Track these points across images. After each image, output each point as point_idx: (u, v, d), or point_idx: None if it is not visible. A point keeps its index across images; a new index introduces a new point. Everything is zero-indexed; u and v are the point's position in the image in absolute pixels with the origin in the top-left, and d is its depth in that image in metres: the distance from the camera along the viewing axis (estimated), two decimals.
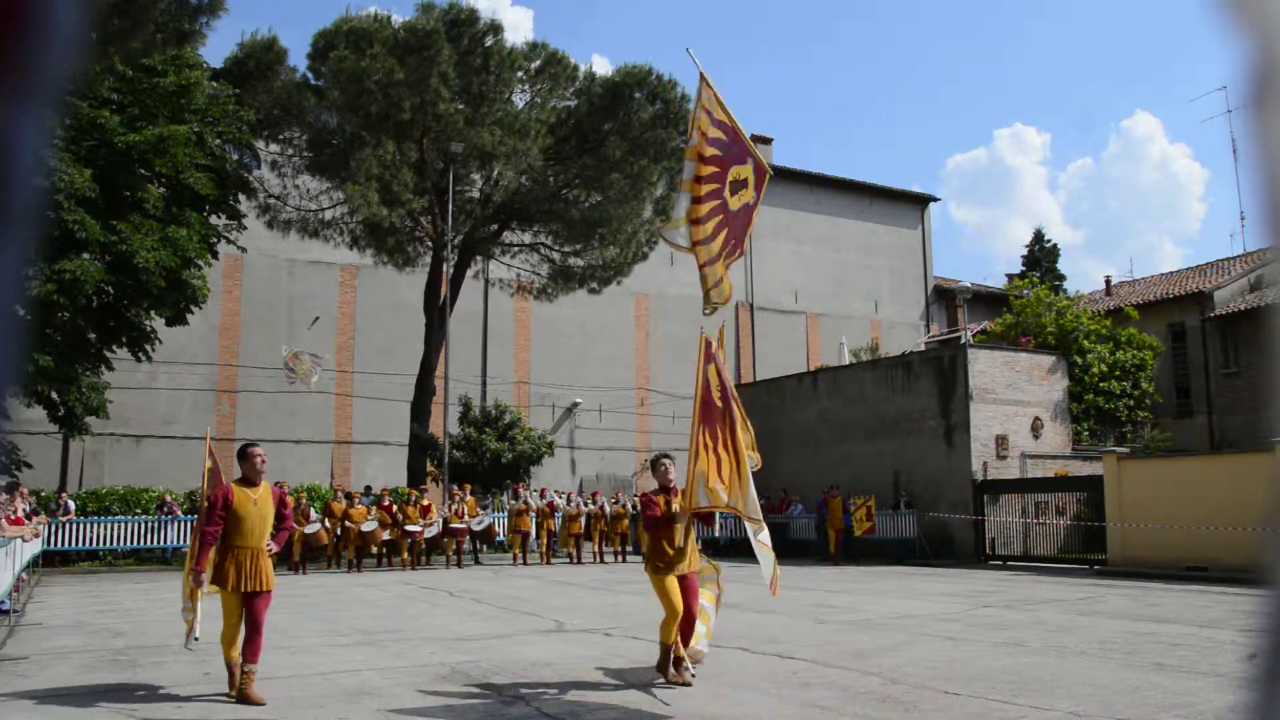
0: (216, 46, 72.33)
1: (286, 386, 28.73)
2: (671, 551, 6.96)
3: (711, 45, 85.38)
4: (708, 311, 7.36)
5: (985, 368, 21.60)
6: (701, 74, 6.98)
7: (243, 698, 6.26)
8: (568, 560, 21.24)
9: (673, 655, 6.94)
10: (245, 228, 22.75)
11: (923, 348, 28.38)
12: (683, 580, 7.08)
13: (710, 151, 6.98)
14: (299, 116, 23.07)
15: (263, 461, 6.87)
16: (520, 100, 23.98)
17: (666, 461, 7.38)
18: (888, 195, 40.76)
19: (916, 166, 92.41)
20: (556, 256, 26.02)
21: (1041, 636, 9.12)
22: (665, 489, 7.23)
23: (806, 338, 37.43)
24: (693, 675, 6.87)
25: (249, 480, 6.82)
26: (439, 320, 23.78)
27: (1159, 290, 32.32)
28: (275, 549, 6.76)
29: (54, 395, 18.26)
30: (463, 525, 20.05)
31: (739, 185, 6.99)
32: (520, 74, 23.74)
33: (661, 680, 6.87)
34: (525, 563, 20.48)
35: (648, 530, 7.18)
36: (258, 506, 6.73)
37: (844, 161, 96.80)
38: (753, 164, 6.96)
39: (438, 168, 22.98)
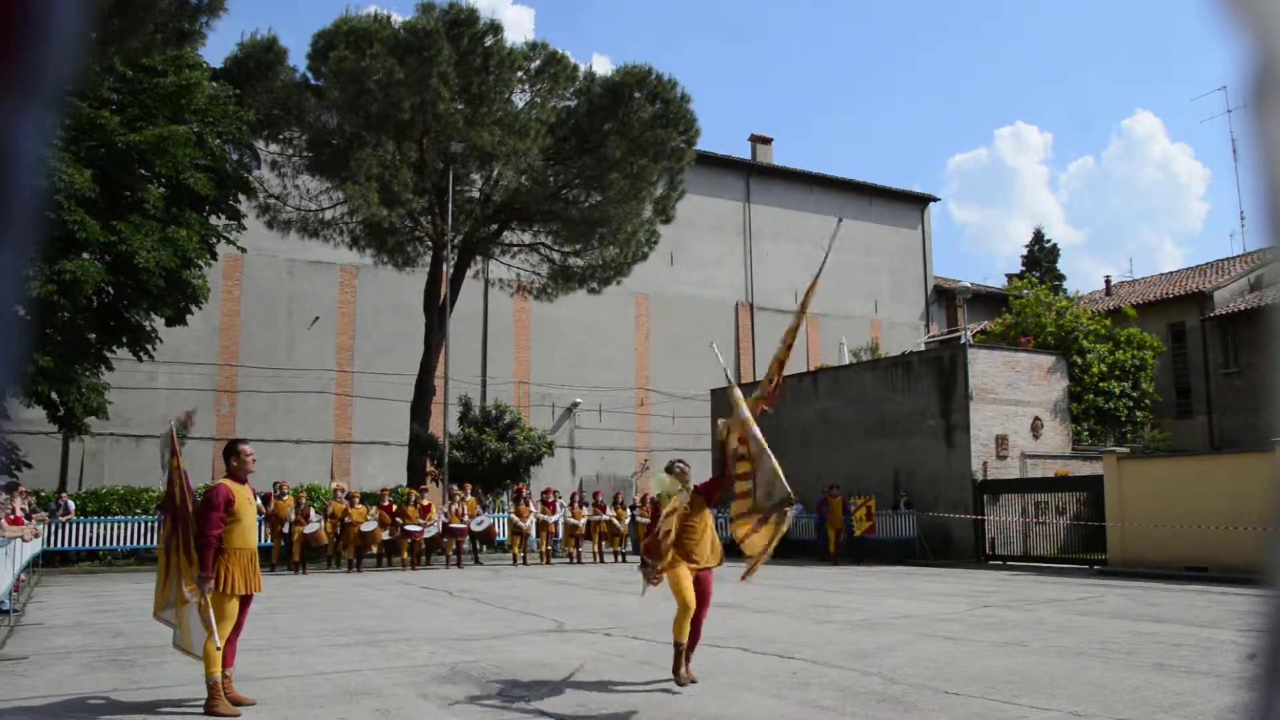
0: (216, 46, 72.36)
1: (286, 386, 28.74)
2: (684, 551, 6.99)
3: (712, 44, 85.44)
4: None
5: (985, 368, 21.59)
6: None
7: (234, 702, 6.18)
8: (568, 560, 21.24)
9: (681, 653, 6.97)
10: (245, 228, 22.75)
11: (923, 348, 28.38)
12: (699, 578, 7.08)
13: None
14: (299, 116, 23.07)
15: (253, 460, 6.72)
16: (520, 100, 23.97)
17: (682, 465, 7.35)
18: (888, 195, 40.77)
19: (917, 166, 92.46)
20: (556, 256, 26.01)
21: (1041, 636, 9.12)
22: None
23: (806, 338, 37.42)
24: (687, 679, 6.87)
25: (238, 478, 6.61)
26: (439, 320, 23.78)
27: (1159, 290, 32.32)
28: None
29: (54, 395, 18.24)
30: (462, 525, 20.05)
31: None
32: (520, 74, 23.73)
33: (672, 681, 6.84)
34: (525, 563, 20.48)
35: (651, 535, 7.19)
36: (250, 506, 6.63)
37: (844, 161, 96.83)
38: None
39: (438, 168, 22.97)
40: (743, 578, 6.94)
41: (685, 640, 6.90)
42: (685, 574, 6.98)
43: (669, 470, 7.44)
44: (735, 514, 6.95)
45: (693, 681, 6.84)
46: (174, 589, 6.45)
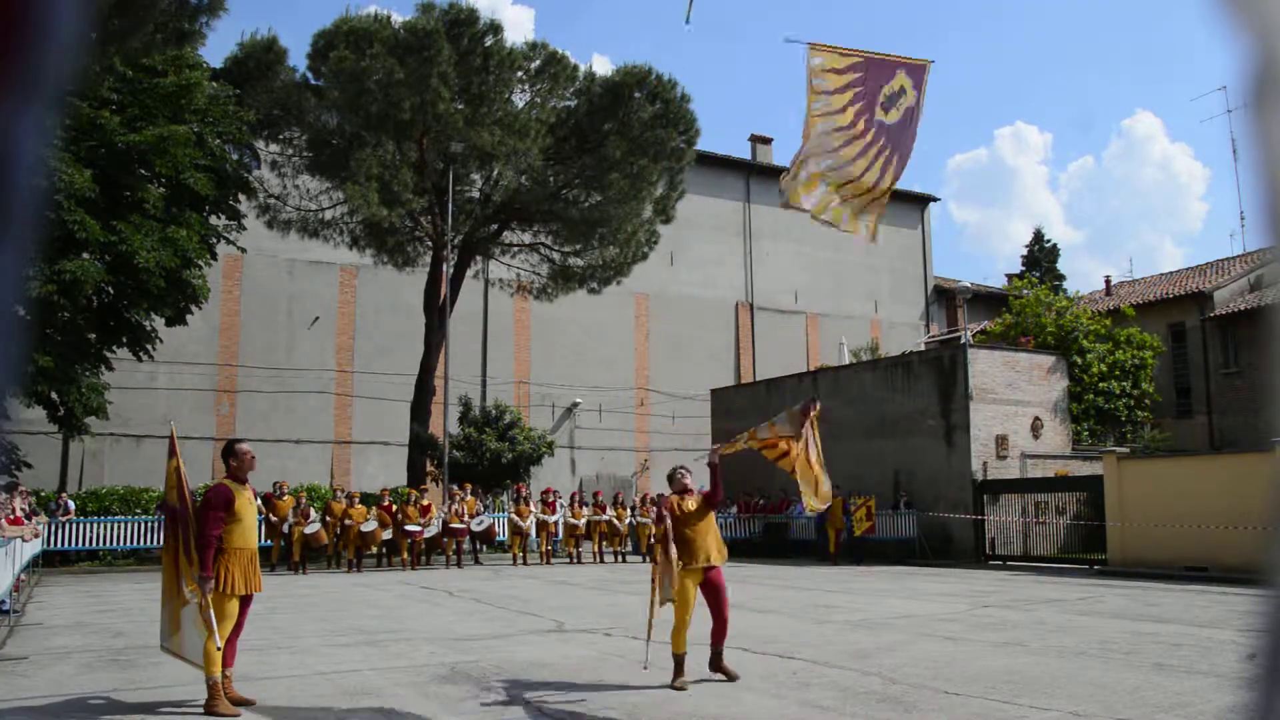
0: (216, 46, 72.31)
1: (286, 386, 28.75)
2: (691, 550, 7.02)
3: (711, 45, 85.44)
4: (870, 240, 7.48)
5: (985, 368, 21.59)
6: (810, 45, 7.03)
7: (235, 701, 6.17)
8: (568, 560, 21.24)
9: (711, 656, 7.07)
10: (245, 228, 22.75)
11: (923, 348, 28.38)
12: (709, 578, 7.09)
13: (850, 92, 6.97)
14: (299, 116, 23.06)
15: (252, 459, 6.73)
16: (520, 100, 23.96)
17: (683, 470, 7.51)
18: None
19: (917, 166, 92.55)
20: (556, 256, 26.01)
21: (1041, 636, 9.12)
22: (683, 492, 7.33)
23: (806, 338, 37.43)
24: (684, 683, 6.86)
25: (238, 478, 6.62)
26: (439, 320, 23.78)
27: (1159, 290, 32.32)
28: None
29: (54, 395, 18.24)
30: (462, 525, 20.05)
31: (895, 96, 6.98)
32: (520, 74, 23.72)
33: (673, 683, 6.80)
34: (525, 563, 20.48)
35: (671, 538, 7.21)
36: (251, 506, 6.63)
37: None
38: (904, 70, 6.95)
39: (438, 168, 22.97)
40: (813, 507, 7.83)
41: (685, 651, 6.92)
42: (690, 587, 6.99)
43: (670, 478, 7.52)
44: (808, 491, 7.52)
45: (733, 678, 6.91)
46: (176, 589, 6.46)
